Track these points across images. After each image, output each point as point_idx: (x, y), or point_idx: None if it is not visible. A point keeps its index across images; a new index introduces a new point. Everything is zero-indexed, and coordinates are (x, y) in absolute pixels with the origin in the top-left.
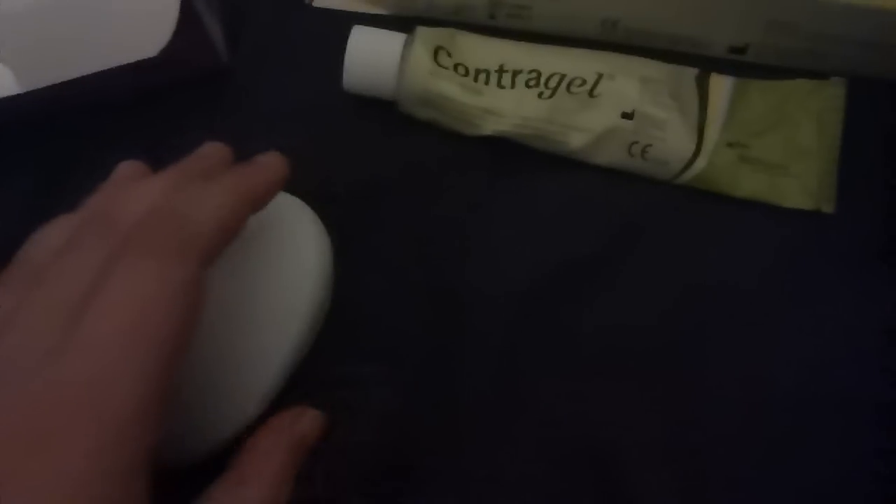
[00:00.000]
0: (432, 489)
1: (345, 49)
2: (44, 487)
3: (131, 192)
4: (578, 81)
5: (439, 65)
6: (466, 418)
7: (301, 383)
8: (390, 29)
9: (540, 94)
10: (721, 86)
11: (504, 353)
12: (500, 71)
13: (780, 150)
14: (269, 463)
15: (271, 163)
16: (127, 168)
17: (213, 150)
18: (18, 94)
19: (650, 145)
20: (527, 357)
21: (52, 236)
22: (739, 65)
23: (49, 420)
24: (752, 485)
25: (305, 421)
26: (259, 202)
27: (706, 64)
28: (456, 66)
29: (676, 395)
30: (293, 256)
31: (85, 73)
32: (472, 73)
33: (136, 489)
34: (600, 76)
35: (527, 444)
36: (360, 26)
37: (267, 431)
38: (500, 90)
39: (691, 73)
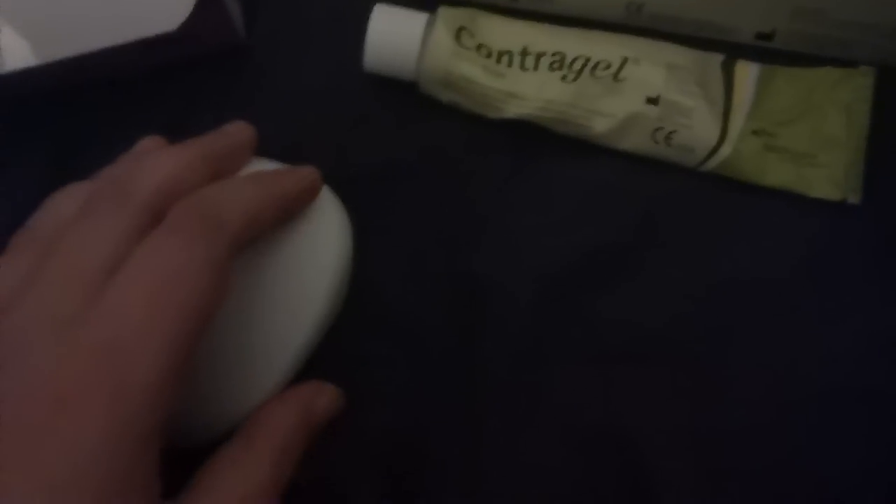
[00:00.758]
0: (449, 473)
1: (365, 28)
2: (59, 452)
3: (148, 161)
4: (603, 65)
5: (461, 46)
6: (485, 403)
7: (318, 363)
8: (412, 8)
9: (563, 78)
10: (747, 73)
11: (524, 339)
12: (524, 53)
13: (807, 139)
14: (278, 436)
15: (307, 174)
16: (148, 142)
17: (236, 129)
18: (34, 67)
19: (675, 131)
20: (547, 344)
21: (64, 203)
22: (766, 51)
23: (68, 385)
24: (774, 476)
25: (323, 397)
26: (290, 209)
27: (732, 50)
28: (478, 48)
29: (699, 384)
30: (313, 238)
31: (103, 46)
32: (494, 54)
33: (147, 459)
34: (625, 60)
35: (546, 429)
36: (381, 5)
37: (283, 402)
38: (523, 73)
39: (717, 59)
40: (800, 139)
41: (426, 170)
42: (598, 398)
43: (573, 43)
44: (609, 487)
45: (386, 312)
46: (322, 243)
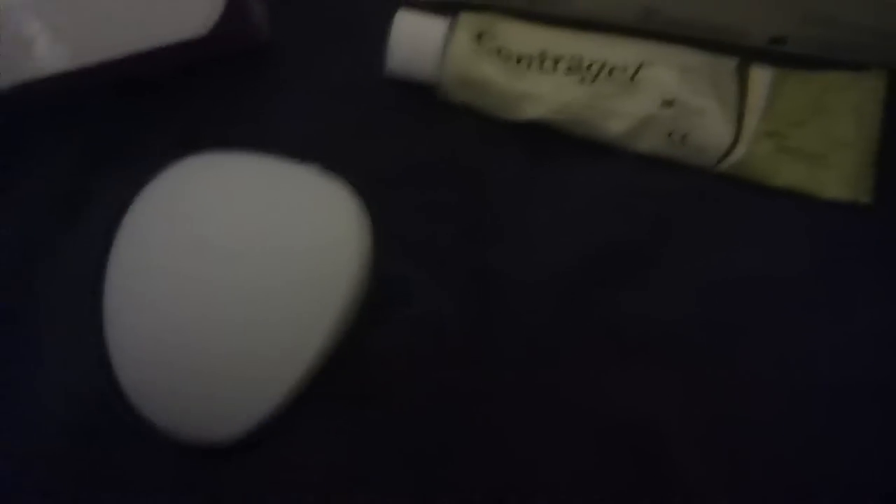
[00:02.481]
0: (466, 465)
1: (386, 31)
2: None
3: None
4: (619, 69)
5: (481, 49)
6: (502, 397)
7: (335, 357)
8: (434, 14)
9: (580, 81)
10: (760, 76)
11: (539, 336)
12: (542, 57)
13: (819, 141)
14: None
15: None
16: None
17: None
18: (69, 70)
19: (689, 133)
20: (564, 338)
21: None
22: (779, 55)
23: None
24: (791, 469)
25: None
26: None
27: (746, 54)
28: (498, 51)
29: (715, 381)
30: (332, 238)
31: (136, 51)
32: (513, 58)
33: None
34: (641, 64)
35: (563, 423)
36: (403, 11)
37: None
38: (541, 75)
39: (731, 63)
40: (812, 140)
41: (444, 170)
42: (615, 394)
43: (590, 47)
44: (628, 479)
45: (403, 309)
46: (341, 244)
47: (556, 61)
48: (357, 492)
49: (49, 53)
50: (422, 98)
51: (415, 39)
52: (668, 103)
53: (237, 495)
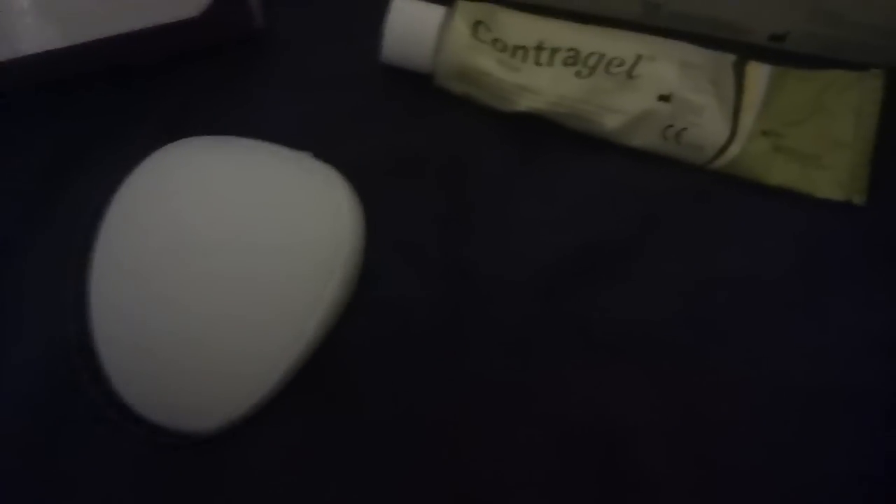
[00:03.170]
0: (435, 462)
1: (382, 18)
2: None
3: None
4: (617, 62)
5: (478, 39)
6: (474, 393)
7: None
8: (430, 2)
9: (578, 73)
10: (758, 73)
11: (517, 332)
12: (539, 48)
13: (816, 141)
14: None
15: None
16: None
17: None
18: (57, 49)
19: (685, 129)
20: (540, 338)
21: None
22: (778, 53)
23: None
24: (759, 474)
25: None
26: None
27: (745, 51)
28: (494, 42)
29: (688, 383)
30: (325, 225)
31: (125, 30)
32: (510, 48)
33: None
34: (639, 58)
35: (536, 421)
36: None
37: None
38: (538, 67)
39: (729, 59)
40: (807, 140)
41: (436, 160)
42: (588, 394)
43: (588, 39)
44: (596, 480)
45: (382, 298)
46: (334, 230)
47: (554, 53)
48: (321, 490)
49: (36, 32)
50: (417, 87)
51: (411, 27)
52: (666, 98)
53: (199, 487)
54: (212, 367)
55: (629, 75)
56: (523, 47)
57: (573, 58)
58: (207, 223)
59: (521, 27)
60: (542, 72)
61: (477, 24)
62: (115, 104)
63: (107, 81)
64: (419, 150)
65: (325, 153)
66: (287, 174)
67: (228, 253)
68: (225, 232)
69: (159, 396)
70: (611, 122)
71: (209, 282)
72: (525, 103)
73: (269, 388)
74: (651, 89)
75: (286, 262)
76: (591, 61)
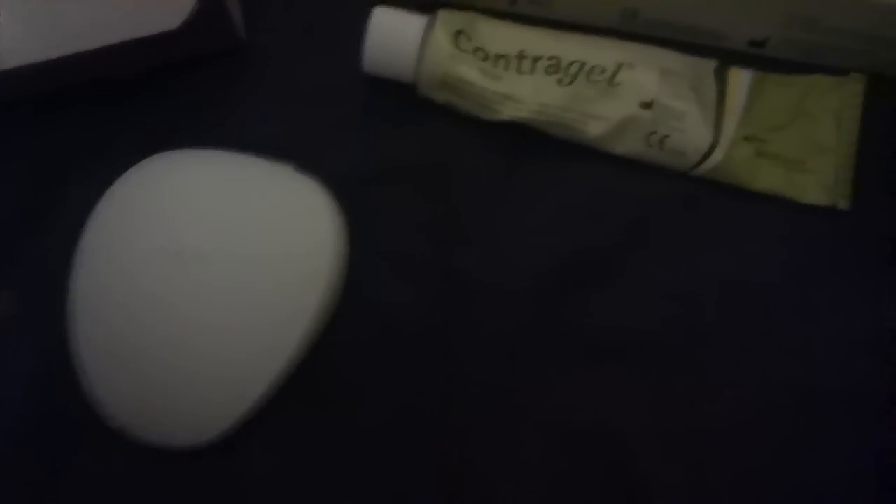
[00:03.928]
0: (428, 472)
1: (364, 29)
2: None
3: None
4: (598, 70)
5: (459, 49)
6: (465, 400)
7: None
8: (412, 11)
9: (559, 81)
10: (740, 79)
11: (505, 338)
12: (520, 57)
13: (798, 146)
14: None
15: None
16: None
17: None
18: (35, 63)
19: (668, 136)
20: (528, 343)
21: None
22: (759, 59)
23: None
24: (758, 476)
25: None
26: None
27: (726, 57)
28: (476, 51)
29: (683, 387)
30: (307, 238)
31: (104, 44)
32: (491, 57)
33: None
34: (620, 65)
35: (526, 427)
36: (381, 8)
37: None
38: (520, 76)
39: (710, 65)
40: (791, 145)
41: (421, 169)
42: (585, 399)
43: (569, 47)
44: (595, 488)
45: (370, 307)
46: (315, 246)
47: (535, 62)
48: (311, 498)
49: (17, 45)
50: (399, 97)
51: (392, 37)
52: (647, 105)
53: (191, 497)
54: (196, 379)
55: (610, 83)
56: (505, 56)
57: (555, 66)
58: (188, 235)
59: (502, 36)
60: (524, 80)
61: (458, 34)
62: (97, 117)
63: (89, 95)
64: (404, 160)
65: (310, 164)
66: (267, 186)
67: (210, 264)
68: (206, 243)
69: (144, 411)
70: (594, 130)
71: (192, 293)
72: (508, 112)
73: (254, 399)
74: (632, 96)
75: (268, 273)
76: (573, 69)
